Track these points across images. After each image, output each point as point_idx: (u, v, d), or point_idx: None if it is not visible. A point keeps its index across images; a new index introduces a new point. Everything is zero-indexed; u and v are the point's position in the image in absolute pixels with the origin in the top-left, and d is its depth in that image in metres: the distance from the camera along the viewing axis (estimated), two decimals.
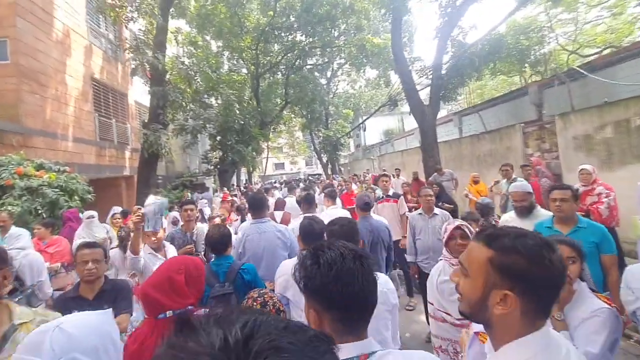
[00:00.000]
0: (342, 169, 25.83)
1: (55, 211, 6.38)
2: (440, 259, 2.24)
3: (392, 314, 1.66)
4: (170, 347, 0.40)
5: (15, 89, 7.45)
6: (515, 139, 7.70)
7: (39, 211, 6.23)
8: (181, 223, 3.90)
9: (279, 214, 4.74)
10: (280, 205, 5.41)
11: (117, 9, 8.42)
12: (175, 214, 6.33)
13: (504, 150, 8.12)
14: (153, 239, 3.00)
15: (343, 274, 0.88)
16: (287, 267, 2.22)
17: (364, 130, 19.57)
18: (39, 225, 4.83)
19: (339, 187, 10.26)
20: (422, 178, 9.99)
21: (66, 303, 2.01)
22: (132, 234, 4.11)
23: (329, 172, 23.96)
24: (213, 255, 2.49)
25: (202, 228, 3.73)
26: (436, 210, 3.66)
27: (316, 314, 0.90)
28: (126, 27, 9.53)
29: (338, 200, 5.15)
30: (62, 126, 8.72)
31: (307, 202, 3.79)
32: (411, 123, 25.83)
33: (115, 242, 4.69)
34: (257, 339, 0.38)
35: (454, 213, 6.37)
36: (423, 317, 3.76)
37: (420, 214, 3.71)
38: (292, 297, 2.12)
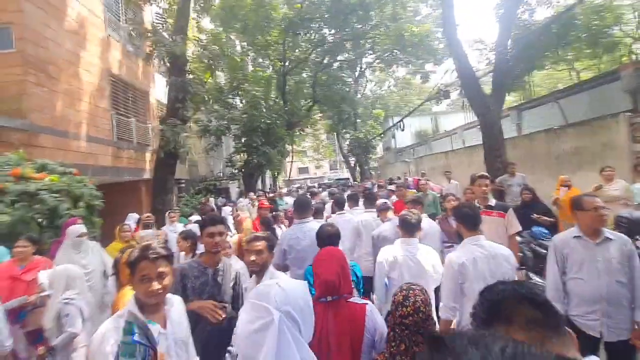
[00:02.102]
0: (373, 172, 24.32)
1: (55, 220, 5.36)
2: None
3: None
4: None
5: (20, 80, 6.59)
6: (616, 133, 6.03)
7: (39, 220, 5.24)
8: (199, 251, 2.59)
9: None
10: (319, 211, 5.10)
11: None
12: (193, 226, 4.90)
13: (598, 148, 6.45)
14: (157, 287, 1.50)
15: None
16: (389, 251, 2.64)
17: (402, 130, 18.02)
18: (24, 241, 3.76)
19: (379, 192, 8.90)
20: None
21: None
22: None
23: (358, 175, 22.49)
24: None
25: (234, 264, 2.37)
26: (608, 232, 2.20)
27: None
28: (143, 9, 8.60)
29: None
30: (74, 124, 7.84)
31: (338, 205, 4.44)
32: (445, 124, 24.03)
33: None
34: None
35: (555, 228, 4.87)
36: None
37: (577, 237, 2.26)
38: (397, 277, 2.44)
